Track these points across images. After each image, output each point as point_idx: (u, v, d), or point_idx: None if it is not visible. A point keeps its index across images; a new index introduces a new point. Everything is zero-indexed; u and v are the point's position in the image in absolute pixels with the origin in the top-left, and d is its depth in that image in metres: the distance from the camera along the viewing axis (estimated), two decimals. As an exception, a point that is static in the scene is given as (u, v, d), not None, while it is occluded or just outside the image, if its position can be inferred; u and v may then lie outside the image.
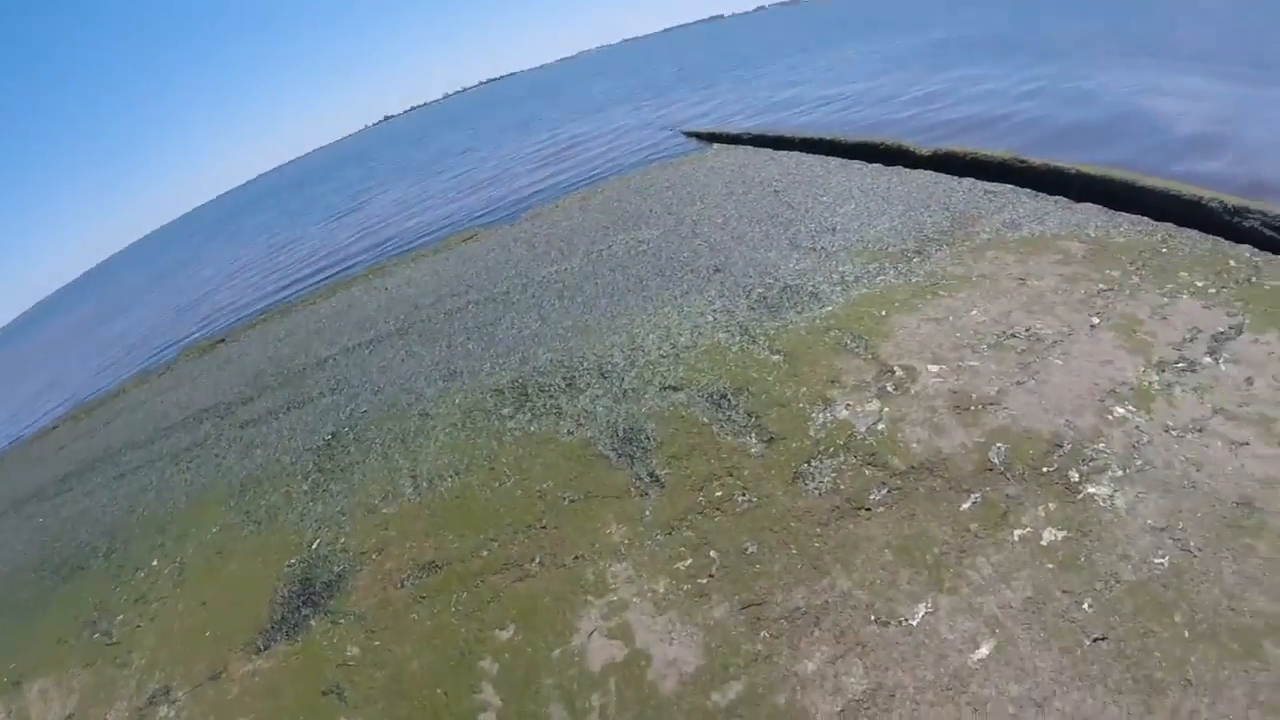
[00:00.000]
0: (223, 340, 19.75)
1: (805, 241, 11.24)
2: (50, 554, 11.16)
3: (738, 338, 8.95)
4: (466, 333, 12.03)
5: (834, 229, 11.38)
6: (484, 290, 13.93)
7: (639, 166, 21.25)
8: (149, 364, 22.17)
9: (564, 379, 9.31)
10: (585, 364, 9.49)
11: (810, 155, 15.93)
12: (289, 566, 7.90)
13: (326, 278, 22.49)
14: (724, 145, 19.93)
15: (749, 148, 18.65)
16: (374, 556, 7.43)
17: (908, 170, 13.04)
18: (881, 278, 9.31)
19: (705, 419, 7.56)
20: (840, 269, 9.90)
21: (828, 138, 15.99)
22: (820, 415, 7.02)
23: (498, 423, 8.85)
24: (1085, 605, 4.48)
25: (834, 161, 14.94)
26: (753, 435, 7.09)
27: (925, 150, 12.92)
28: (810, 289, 9.62)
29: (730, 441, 7.11)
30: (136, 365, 22.94)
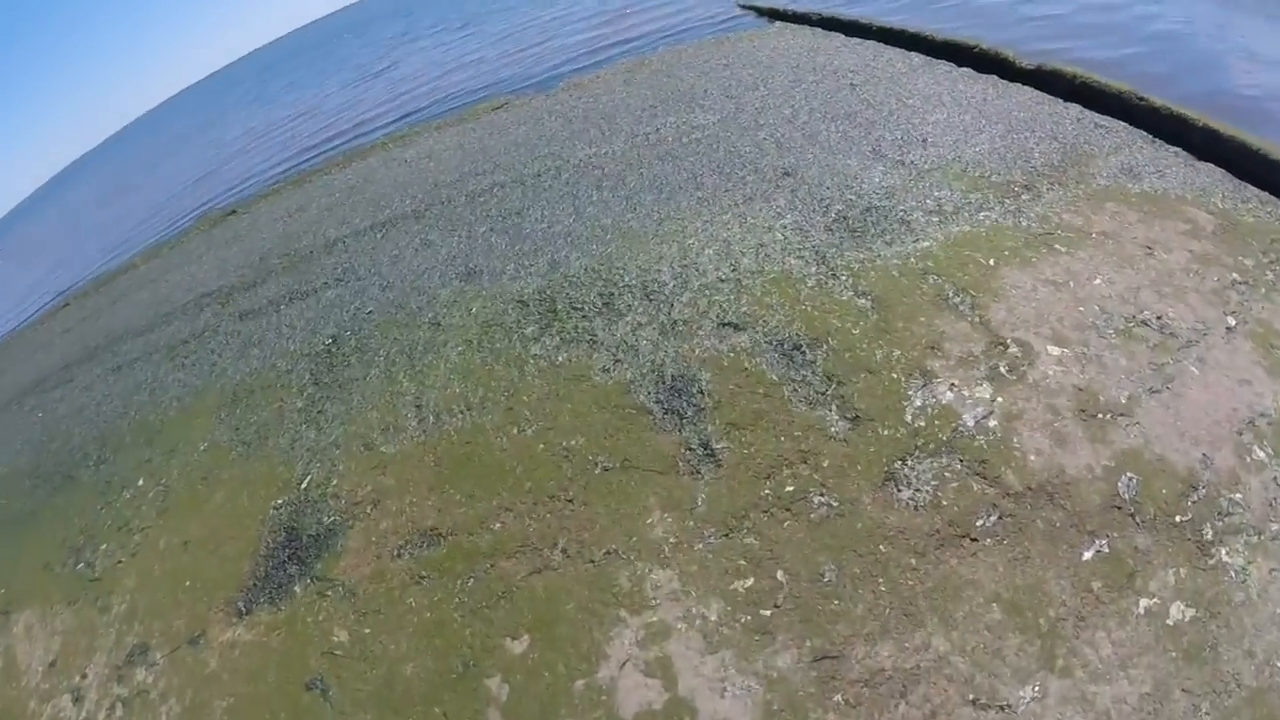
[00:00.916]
0: (234, 211, 18.35)
1: (890, 151, 8.96)
2: (44, 458, 10.53)
3: (814, 267, 7.09)
4: (489, 222, 10.28)
5: (924, 140, 9.03)
6: (512, 171, 11.98)
7: (690, 37, 18.16)
8: (164, 235, 21.05)
9: (600, 295, 7.63)
10: (626, 278, 7.76)
11: (890, 48, 12.90)
12: (275, 509, 6.81)
13: (346, 143, 20.51)
14: (787, 24, 16.65)
15: (817, 29, 15.44)
16: (369, 510, 6.22)
17: (1004, 83, 10.35)
18: (986, 213, 7.23)
19: (774, 376, 5.93)
20: (936, 194, 7.76)
21: (911, 30, 12.89)
22: (918, 393, 5.37)
23: (519, 346, 7.32)
24: (1203, 711, 3.58)
25: (917, 58, 12.06)
26: (834, 408, 5.49)
27: (1027, 63, 10.27)
28: (900, 214, 7.58)
29: (805, 413, 5.52)
30: (153, 236, 21.87)
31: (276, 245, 13.65)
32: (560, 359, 6.93)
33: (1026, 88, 10.05)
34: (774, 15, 18.09)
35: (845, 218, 7.76)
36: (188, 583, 6.63)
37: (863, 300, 6.44)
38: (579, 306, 7.57)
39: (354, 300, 9.74)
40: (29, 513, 9.33)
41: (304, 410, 7.99)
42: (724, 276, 7.31)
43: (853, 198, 8.09)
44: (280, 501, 6.84)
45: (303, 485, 6.88)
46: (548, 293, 7.99)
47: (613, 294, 7.58)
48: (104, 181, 63.89)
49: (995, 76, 10.63)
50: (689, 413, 5.87)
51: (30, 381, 14.52)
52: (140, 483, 8.46)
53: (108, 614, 6.86)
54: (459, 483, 6.03)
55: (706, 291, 7.14)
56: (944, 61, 11.68)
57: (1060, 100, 9.41)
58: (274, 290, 11.52)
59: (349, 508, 6.34)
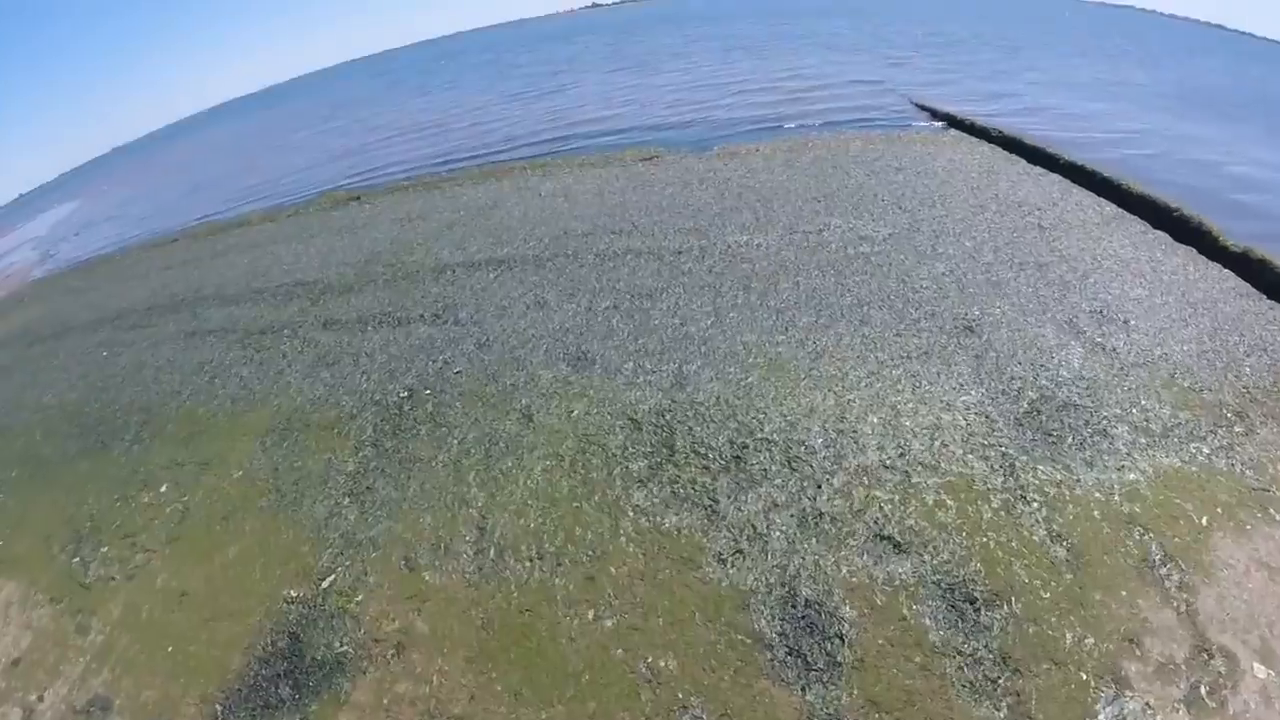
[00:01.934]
0: (358, 198, 18.06)
1: (1089, 326, 7.47)
2: (90, 406, 10.06)
3: (1000, 478, 5.63)
4: (615, 297, 9.13)
5: (1126, 322, 7.52)
6: (650, 238, 10.88)
7: (858, 126, 16.96)
8: (286, 200, 21.05)
9: (731, 443, 6.27)
10: (766, 427, 6.40)
11: (1077, 188, 11.33)
12: (287, 602, 5.69)
13: (490, 156, 20.09)
14: (963, 134, 15.24)
15: (996, 148, 13.99)
16: (389, 657, 5.00)
17: (1203, 260, 8.75)
18: (1197, 446, 5.78)
19: (937, 638, 4.50)
20: (1143, 403, 6.27)
21: (1105, 174, 11.30)
22: (1106, 708, 4.01)
23: (620, 486, 6.02)
24: None
25: (1109, 208, 10.44)
26: (1003, 708, 4.06)
27: (1234, 245, 8.67)
28: (1103, 422, 6.13)
29: (967, 707, 4.12)
30: (278, 198, 21.95)
31: (386, 250, 12.95)
32: (667, 523, 5.57)
33: (1228, 271, 8.56)
34: (950, 122, 16.74)
35: (1039, 412, 6.31)
36: (170, 648, 5.68)
37: (1058, 548, 5.01)
38: (702, 452, 6.22)
39: (446, 350, 8.70)
40: (54, 466, 8.82)
41: (353, 477, 6.89)
42: (889, 462, 5.87)
43: (1048, 385, 6.63)
44: (294, 594, 5.72)
45: (324, 584, 5.72)
46: (667, 418, 6.68)
47: (746, 446, 6.21)
48: (250, 129, 67.53)
49: (1194, 249, 9.07)
50: (819, 663, 4.42)
51: (113, 312, 14.30)
52: (163, 489, 7.63)
53: (84, 636, 6.04)
54: (505, 667, 4.70)
55: (865, 479, 5.71)
56: (1138, 219, 10.14)
57: (1266, 298, 7.79)
58: (367, 304, 10.69)
59: (368, 643, 5.12)
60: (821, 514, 5.47)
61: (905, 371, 6.97)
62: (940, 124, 16.87)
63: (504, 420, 7.09)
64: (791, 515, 5.50)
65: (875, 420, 6.37)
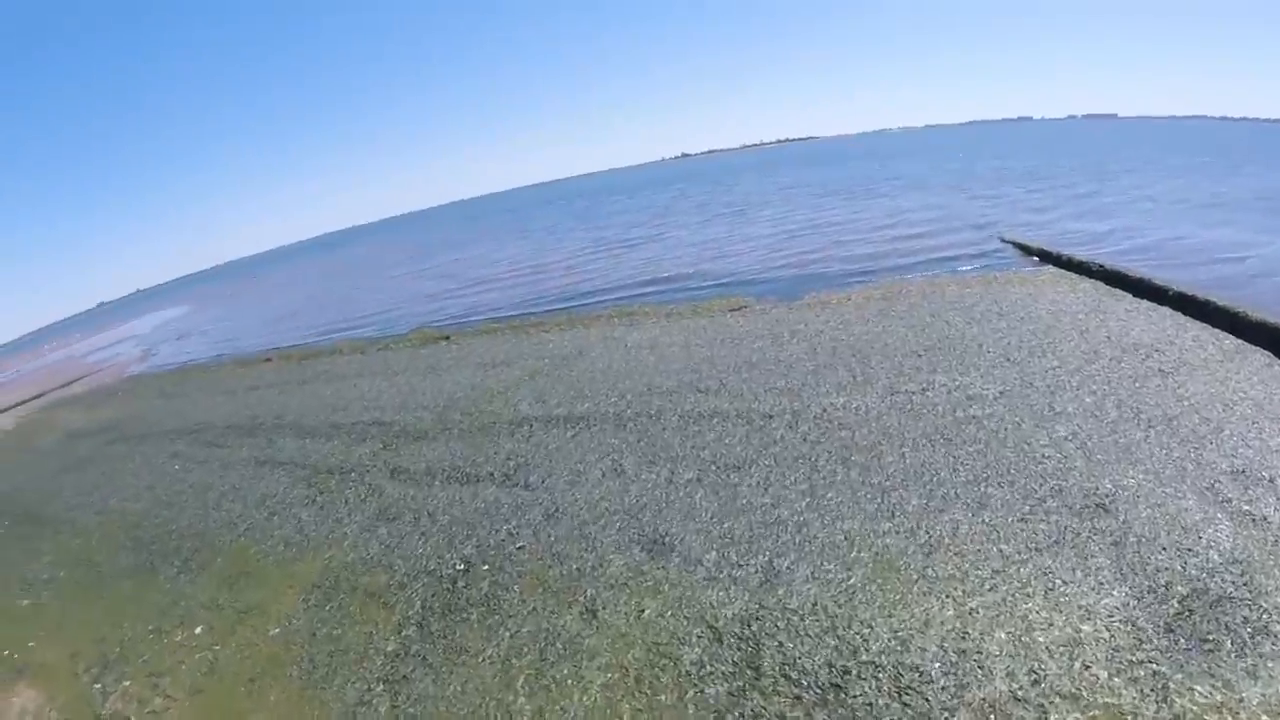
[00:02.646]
0: (448, 338, 18.41)
1: (1229, 489, 6.22)
2: (149, 522, 10.05)
3: (1154, 707, 4.37)
4: (699, 467, 8.39)
5: (1271, 478, 6.26)
6: (739, 399, 10.23)
7: (945, 267, 16.38)
8: (378, 333, 21.78)
9: (830, 665, 5.20)
10: (872, 646, 5.30)
11: (1192, 321, 10.24)
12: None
13: (581, 303, 20.39)
14: (1060, 270, 14.33)
15: (1099, 283, 13.00)
16: None
17: None
18: None
19: None
20: None
21: (1220, 302, 10.15)
22: None
23: (691, 715, 4.97)
24: None
25: (1228, 341, 9.24)
26: None
27: None
28: (1261, 616, 4.82)
29: None
30: (370, 328, 22.79)
31: (466, 396, 12.81)
32: (751, 787, 4.46)
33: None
34: (1043, 257, 15.85)
35: (1190, 611, 4.98)
36: None
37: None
38: (794, 677, 5.16)
39: (511, 518, 8.08)
40: (102, 578, 8.72)
41: (392, 659, 6.14)
42: (1020, 693, 4.66)
43: (1198, 574, 5.31)
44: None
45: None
46: (753, 628, 5.67)
47: (848, 671, 5.11)
48: (351, 259, 72.91)
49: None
50: None
51: (194, 423, 14.59)
52: (198, 630, 7.15)
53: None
54: None
55: (993, 718, 4.47)
56: (1261, 350, 8.89)
57: None
58: (439, 455, 10.34)
59: None
60: (944, 778, 4.28)
61: (1035, 569, 5.78)
62: (1033, 259, 16.08)
63: (565, 614, 6.24)
64: (907, 782, 4.33)
65: (1003, 636, 5.18)
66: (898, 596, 5.76)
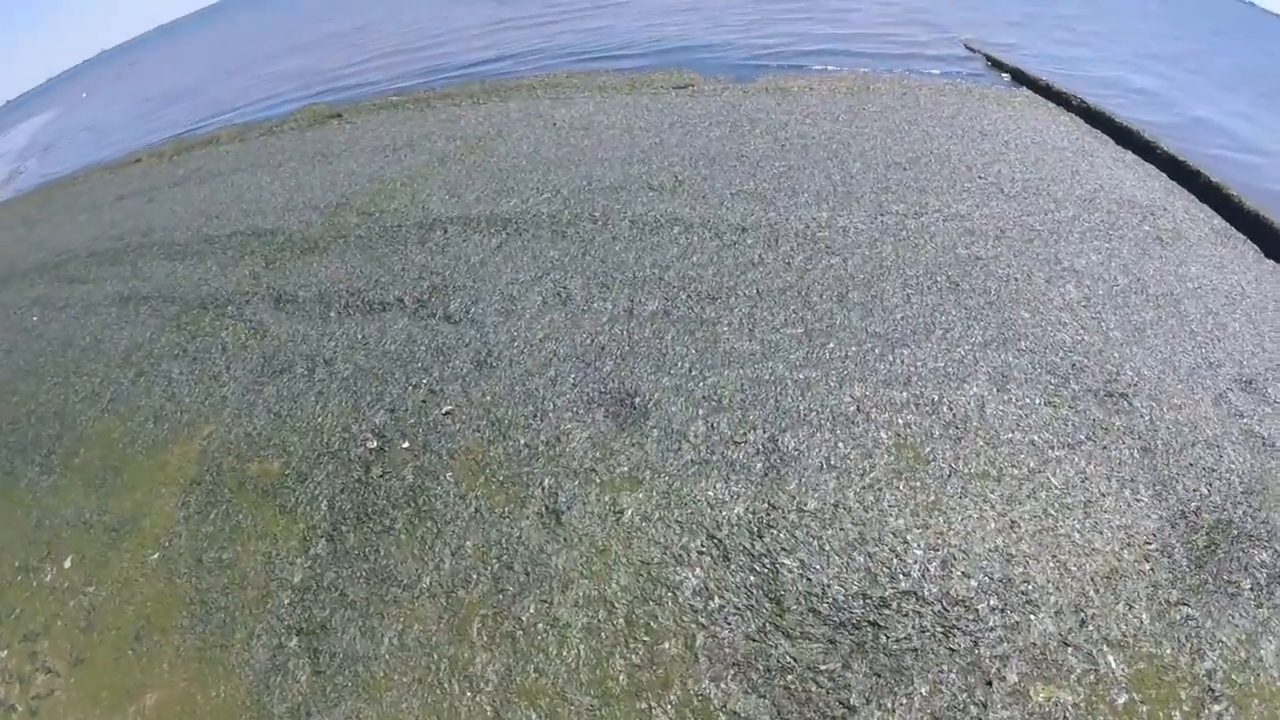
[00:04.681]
0: (339, 115, 14.53)
1: (1240, 401, 4.93)
2: (7, 400, 7.40)
3: (1188, 660, 3.47)
4: (665, 295, 6.33)
5: (1276, 396, 4.95)
6: (701, 202, 7.88)
7: (913, 69, 12.96)
8: (260, 114, 17.37)
9: (864, 596, 3.82)
10: (911, 568, 3.91)
11: (1178, 187, 8.12)
12: None
13: (502, 69, 16.16)
14: (1036, 97, 11.40)
15: (1077, 118, 10.39)
16: None
17: None
18: None
19: None
20: None
21: (1215, 179, 8.02)
22: None
23: (708, 681, 3.48)
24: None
25: (1217, 221, 7.25)
26: None
27: None
28: (1275, 560, 3.87)
29: None
30: (249, 111, 18.23)
31: (363, 190, 9.85)
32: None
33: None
34: (1017, 77, 12.81)
35: (1215, 544, 3.96)
36: None
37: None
38: (824, 612, 3.70)
39: (431, 367, 5.94)
40: None
41: (301, 596, 4.37)
42: (1070, 636, 3.59)
43: (1220, 501, 4.19)
44: None
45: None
46: (766, 541, 4.09)
47: (886, 604, 3.69)
48: (241, 29, 60.49)
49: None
50: None
51: (56, 254, 11.34)
52: (68, 564, 5.16)
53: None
54: None
55: (1044, 668, 3.49)
56: (1247, 240, 7.19)
57: None
58: (334, 272, 7.83)
59: None
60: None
61: (1072, 472, 4.36)
62: (1006, 78, 12.97)
63: (519, 517, 4.43)
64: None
65: (1049, 563, 3.84)
66: (931, 499, 4.16)
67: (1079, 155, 8.94)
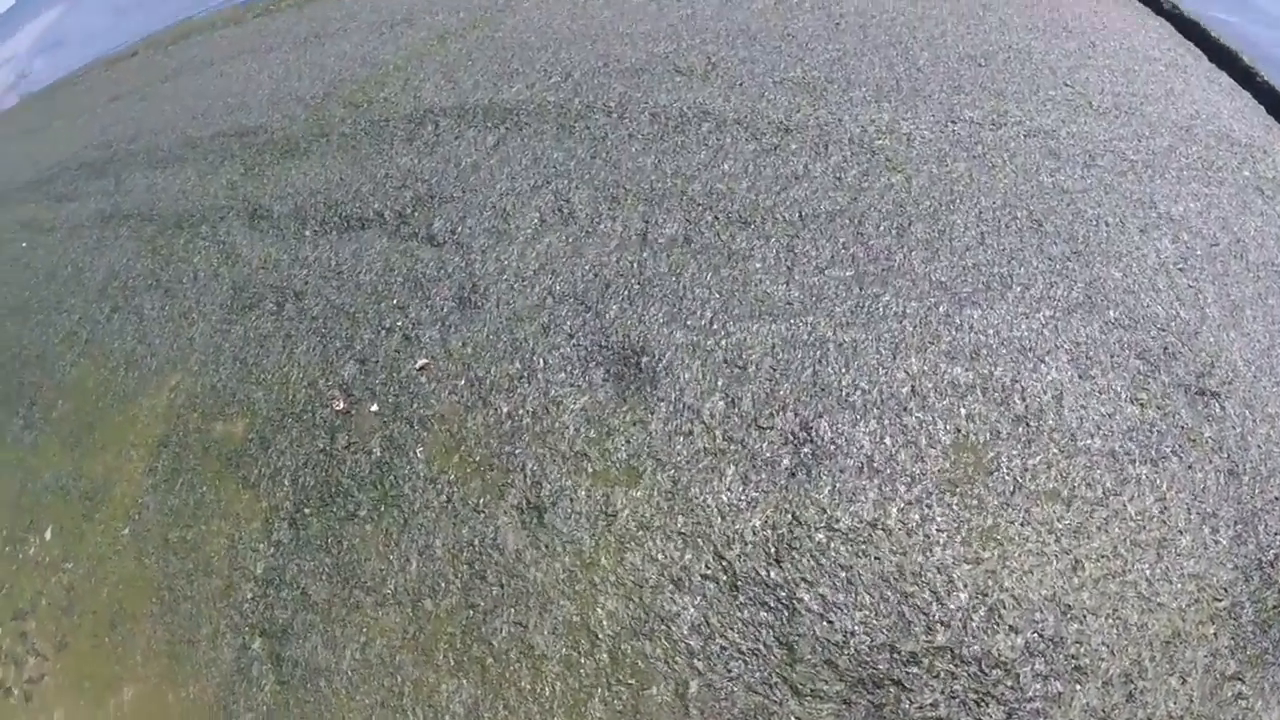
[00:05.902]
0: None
1: None
2: None
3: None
4: (686, 215, 5.27)
5: None
6: (737, 91, 6.44)
7: None
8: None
9: (891, 646, 3.06)
10: (951, 614, 3.09)
11: (1276, 123, 5.94)
12: None
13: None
14: None
15: (1169, 25, 7.63)
16: None
17: None
18: None
19: None
20: None
21: None
22: None
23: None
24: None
25: None
26: None
27: None
28: None
29: None
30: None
31: (353, 77, 8.73)
32: None
33: None
34: None
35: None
36: None
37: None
38: (839, 664, 3.02)
39: (408, 304, 5.14)
40: None
41: (264, 590, 3.98)
42: (1113, 713, 2.80)
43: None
44: None
45: None
46: (785, 567, 3.33)
47: (915, 661, 3.00)
48: None
49: None
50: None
51: (49, 168, 10.72)
52: (48, 536, 4.91)
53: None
54: None
55: None
56: None
57: None
58: (313, 180, 6.98)
59: None
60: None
61: (1152, 500, 3.30)
62: None
63: (496, 512, 3.75)
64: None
65: (1108, 619, 2.97)
66: (988, 523, 3.20)
67: (1173, 70, 6.86)
